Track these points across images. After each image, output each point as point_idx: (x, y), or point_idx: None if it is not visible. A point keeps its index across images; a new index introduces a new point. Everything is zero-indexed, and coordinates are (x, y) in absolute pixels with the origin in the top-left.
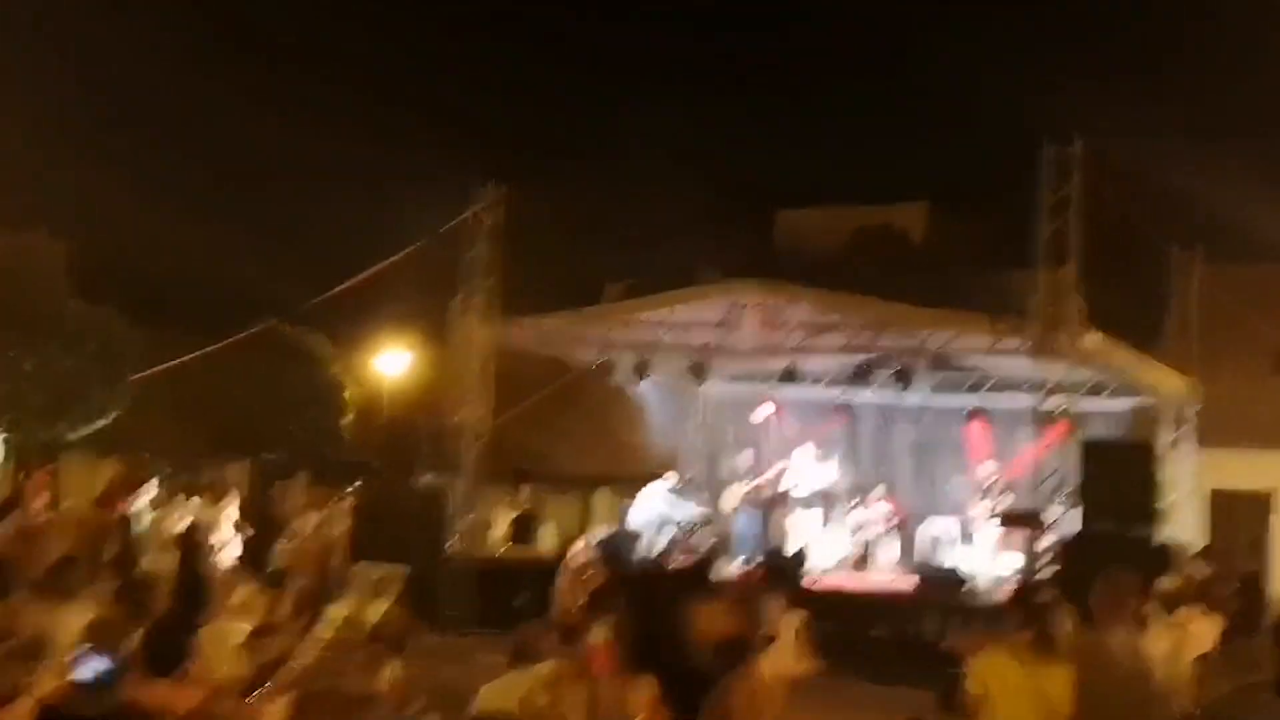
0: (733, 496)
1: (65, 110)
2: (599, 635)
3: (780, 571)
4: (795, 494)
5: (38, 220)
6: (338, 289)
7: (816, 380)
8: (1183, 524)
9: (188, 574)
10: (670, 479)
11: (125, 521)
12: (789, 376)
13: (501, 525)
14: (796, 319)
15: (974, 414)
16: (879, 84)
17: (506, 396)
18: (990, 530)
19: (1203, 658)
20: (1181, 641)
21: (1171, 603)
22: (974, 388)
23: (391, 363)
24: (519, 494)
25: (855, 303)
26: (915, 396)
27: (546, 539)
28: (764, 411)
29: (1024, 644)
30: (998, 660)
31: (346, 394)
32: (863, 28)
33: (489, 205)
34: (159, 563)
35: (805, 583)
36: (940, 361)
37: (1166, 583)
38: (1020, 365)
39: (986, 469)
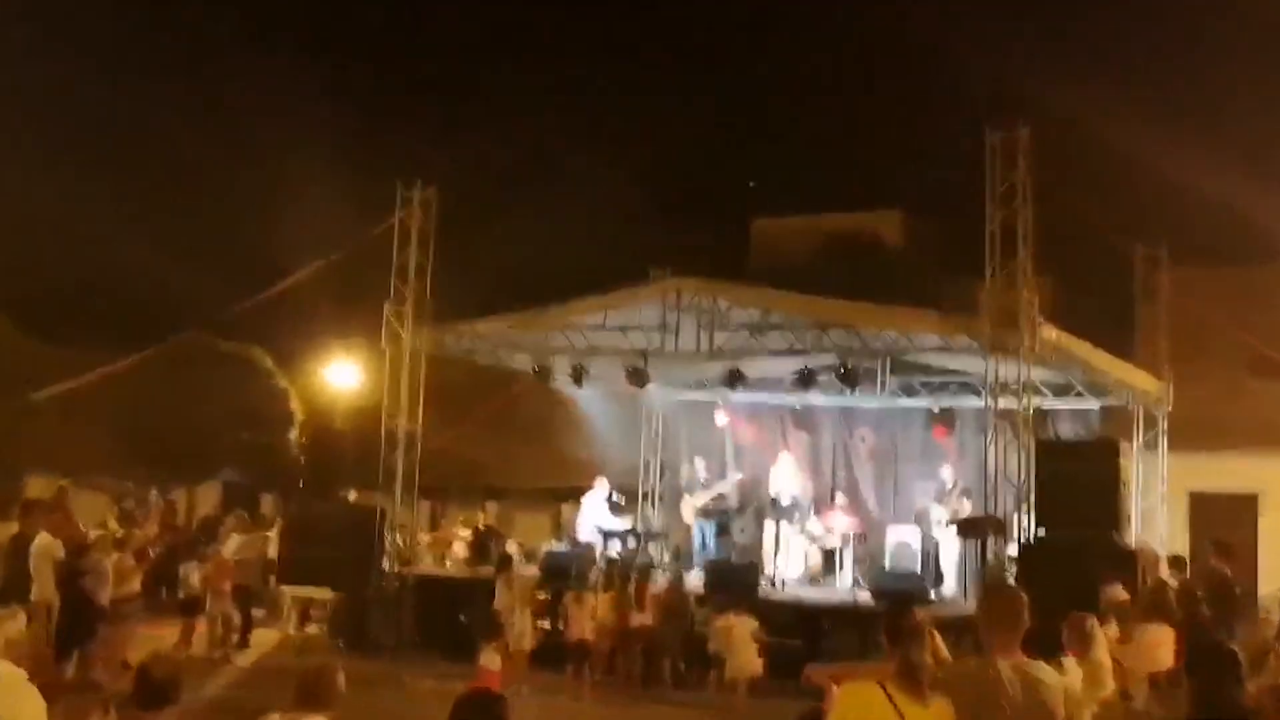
0: (689, 507)
1: None
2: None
3: (726, 581)
4: (781, 501)
5: None
6: (264, 294)
7: (769, 386)
8: (1157, 527)
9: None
10: (602, 489)
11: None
12: (735, 381)
13: (460, 544)
14: (738, 320)
15: (938, 417)
16: (849, 87)
17: (448, 408)
18: (949, 538)
19: (1156, 677)
20: (1100, 671)
21: (1122, 614)
22: (937, 390)
23: (340, 374)
24: (483, 511)
25: (797, 302)
26: (875, 400)
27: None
28: (720, 419)
29: (891, 674)
30: (862, 693)
31: (293, 406)
32: (835, 31)
33: (417, 207)
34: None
35: (762, 593)
36: (900, 364)
37: (1117, 593)
38: (980, 365)
39: (945, 474)
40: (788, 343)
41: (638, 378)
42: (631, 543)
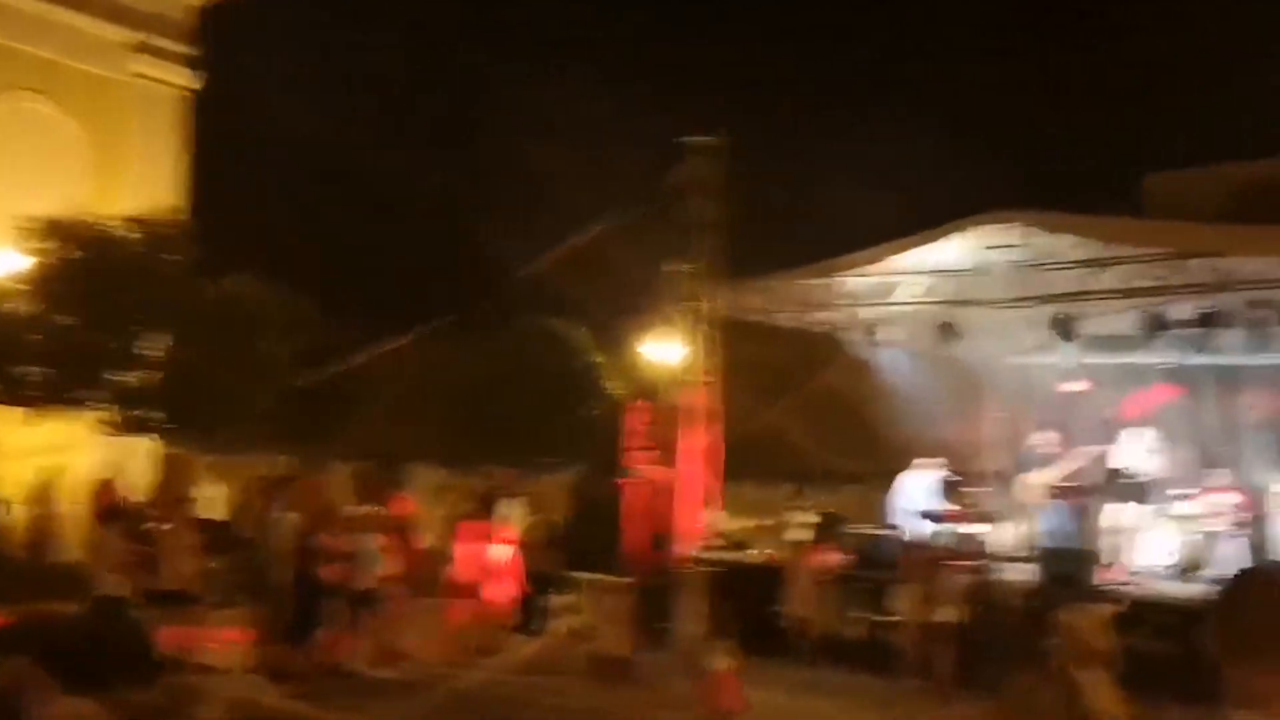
0: (1034, 486)
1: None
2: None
3: (1057, 571)
4: (1124, 480)
5: None
6: (547, 258)
7: (1127, 345)
8: None
9: None
10: (929, 468)
11: None
12: (1068, 332)
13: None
14: (1071, 256)
15: None
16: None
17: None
18: None
19: None
20: None
21: None
22: None
23: (663, 350)
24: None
25: (1142, 228)
26: (1267, 356)
27: None
28: (1073, 385)
29: None
30: None
31: (607, 385)
32: None
33: (708, 158)
34: None
35: (1112, 585)
36: None
37: None
38: None
39: None
40: (1127, 279)
41: (948, 333)
42: (962, 529)
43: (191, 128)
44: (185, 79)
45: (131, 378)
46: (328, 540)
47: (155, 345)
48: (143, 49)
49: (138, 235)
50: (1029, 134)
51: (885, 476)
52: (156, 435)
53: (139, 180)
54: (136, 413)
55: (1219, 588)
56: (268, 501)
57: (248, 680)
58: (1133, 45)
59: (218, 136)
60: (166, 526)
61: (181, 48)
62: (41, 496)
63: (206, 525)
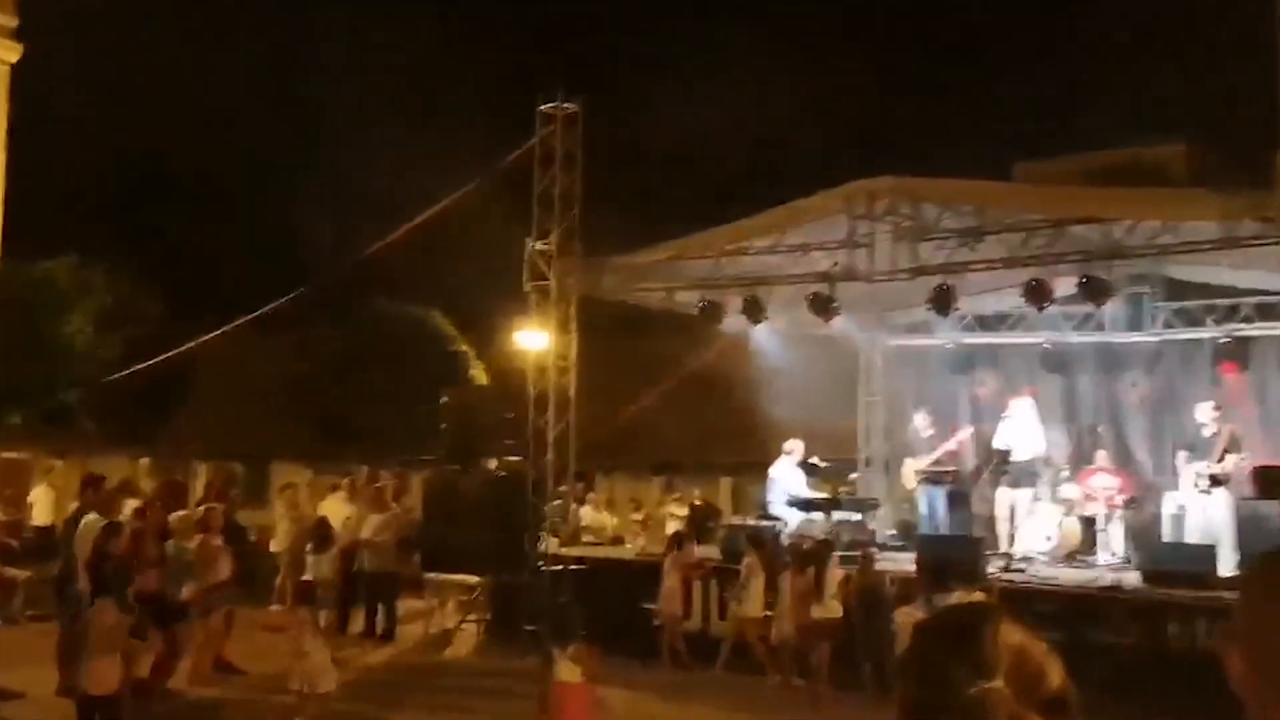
0: (912, 471)
1: None
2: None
3: (937, 560)
4: (1013, 459)
5: None
6: (390, 238)
7: (1010, 324)
8: None
9: None
10: (795, 453)
11: None
12: (945, 305)
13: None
14: (946, 226)
15: (1226, 352)
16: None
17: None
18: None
19: None
20: None
21: None
22: (1224, 318)
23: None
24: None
25: (1023, 193)
26: (1148, 333)
27: None
28: (949, 364)
29: None
30: None
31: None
32: None
33: (560, 125)
34: None
35: (997, 575)
36: (1175, 287)
37: None
38: None
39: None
40: (1009, 250)
41: (821, 306)
42: (836, 516)
43: (6, 102)
44: (3, 50)
45: None
46: (120, 547)
47: None
48: None
49: None
50: (896, 120)
51: (760, 466)
52: None
53: None
54: None
55: (1240, 578)
56: (81, 504)
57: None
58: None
59: (36, 112)
60: None
61: (2, 19)
62: None
63: (17, 531)
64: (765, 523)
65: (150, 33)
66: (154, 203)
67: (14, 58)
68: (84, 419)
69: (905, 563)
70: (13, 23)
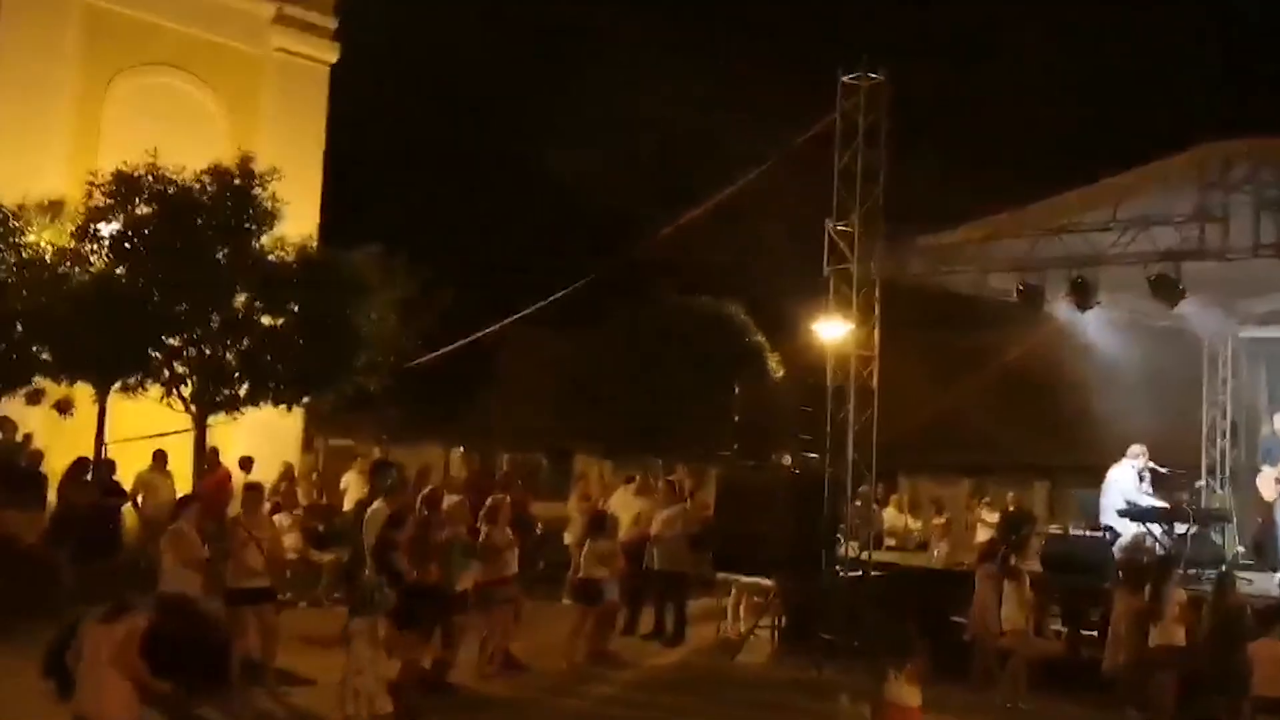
0: (1269, 481)
1: None
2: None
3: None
4: None
5: None
6: (680, 221)
7: None
8: None
9: None
10: (1134, 459)
11: None
12: None
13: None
14: None
15: None
16: None
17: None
18: None
19: None
20: None
21: None
22: None
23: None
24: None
25: None
26: None
27: None
28: None
29: None
30: None
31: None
32: None
33: (863, 98)
34: None
35: None
36: None
37: None
38: None
39: None
40: None
41: (1166, 290)
42: (1178, 529)
43: (326, 100)
44: (324, 52)
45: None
46: (403, 534)
47: (231, 311)
48: (285, 22)
49: (212, 190)
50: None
51: (1083, 470)
52: (236, 413)
53: (276, 154)
54: (226, 390)
55: None
56: (371, 491)
57: None
58: None
59: (350, 108)
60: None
61: (322, 20)
62: (150, 483)
63: (316, 514)
64: (1097, 534)
65: (456, 31)
66: (453, 193)
67: (333, 58)
68: (389, 406)
69: (1259, 586)
70: (332, 25)
